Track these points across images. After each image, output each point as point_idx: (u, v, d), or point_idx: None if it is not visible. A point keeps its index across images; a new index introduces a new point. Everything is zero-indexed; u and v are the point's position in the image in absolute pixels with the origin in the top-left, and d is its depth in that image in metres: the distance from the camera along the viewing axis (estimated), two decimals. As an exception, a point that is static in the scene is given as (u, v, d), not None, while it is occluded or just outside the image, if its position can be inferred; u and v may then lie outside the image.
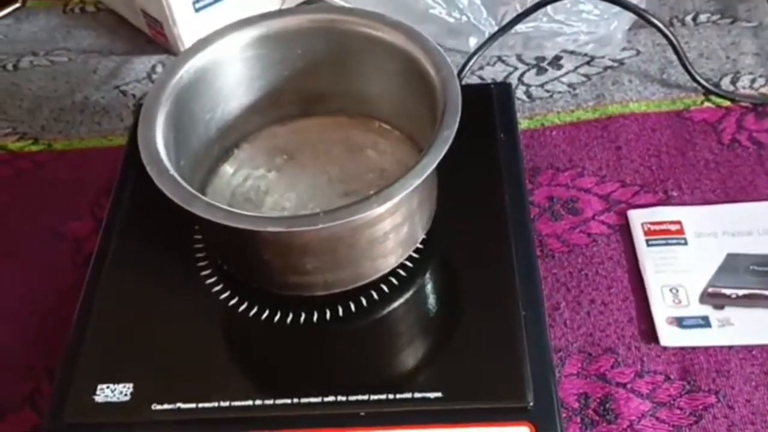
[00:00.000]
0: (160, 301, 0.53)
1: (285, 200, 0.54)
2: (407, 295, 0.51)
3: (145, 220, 0.57)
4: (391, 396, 0.46)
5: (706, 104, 0.68)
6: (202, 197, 0.43)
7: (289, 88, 0.57)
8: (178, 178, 0.44)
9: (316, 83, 0.57)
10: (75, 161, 0.71)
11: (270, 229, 0.41)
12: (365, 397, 0.46)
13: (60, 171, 0.70)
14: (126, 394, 0.48)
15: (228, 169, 0.57)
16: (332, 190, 0.55)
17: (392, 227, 0.47)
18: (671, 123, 0.67)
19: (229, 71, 0.54)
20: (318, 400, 0.47)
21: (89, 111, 0.75)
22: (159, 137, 0.47)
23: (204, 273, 0.53)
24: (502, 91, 0.64)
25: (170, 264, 0.55)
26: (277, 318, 0.50)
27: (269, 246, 0.46)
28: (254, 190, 0.56)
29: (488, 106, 0.62)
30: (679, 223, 0.60)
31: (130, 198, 0.59)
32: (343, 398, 0.46)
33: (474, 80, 0.72)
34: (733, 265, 0.57)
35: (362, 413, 0.46)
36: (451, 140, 0.45)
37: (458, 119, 0.46)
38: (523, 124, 0.68)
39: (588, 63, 0.73)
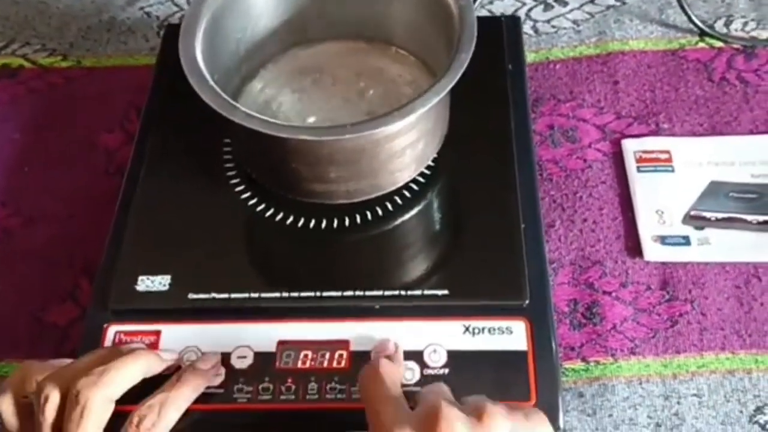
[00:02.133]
0: (193, 204, 0.58)
1: (311, 117, 0.59)
2: (419, 206, 0.57)
3: (176, 133, 0.62)
4: (403, 292, 0.52)
5: (700, 44, 0.72)
6: (240, 107, 0.48)
7: (312, 11, 0.61)
8: (217, 89, 0.49)
9: (338, 7, 0.61)
10: (103, 78, 0.75)
11: (303, 137, 0.46)
12: (380, 293, 0.52)
13: (89, 86, 0.74)
14: (165, 285, 0.53)
15: (256, 85, 0.62)
16: (354, 110, 0.60)
17: (409, 143, 0.52)
18: (666, 61, 0.72)
19: (260, -8, 0.58)
20: (338, 293, 0.52)
21: (115, 30, 0.79)
22: (198, 51, 0.51)
23: (233, 181, 0.58)
24: (512, 24, 0.68)
25: (201, 172, 0.60)
26: (300, 223, 0.56)
27: (298, 154, 0.51)
28: (280, 108, 0.60)
29: (498, 37, 0.67)
30: (668, 152, 0.65)
31: (161, 112, 0.64)
32: (361, 293, 0.52)
33: (484, 14, 0.76)
34: (714, 191, 0.62)
35: (377, 306, 0.52)
36: (466, 63, 0.50)
37: (473, 45, 0.50)
38: (529, 57, 0.73)
39: (592, 1, 0.77)
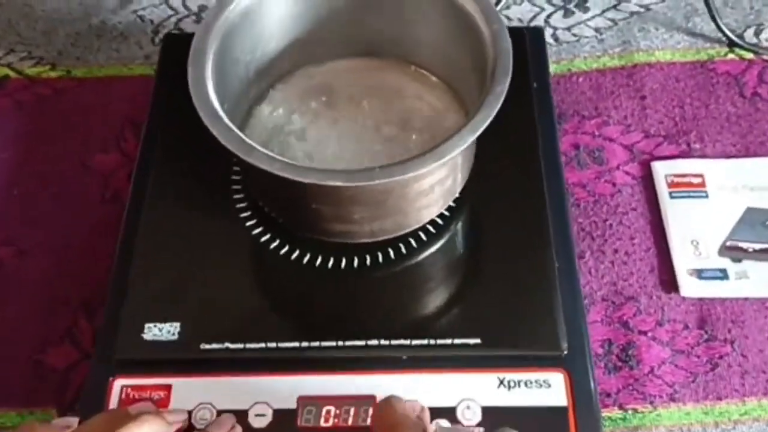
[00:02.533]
0: (201, 242, 0.54)
1: (325, 145, 0.55)
2: (444, 241, 0.53)
3: (179, 159, 0.58)
4: (431, 341, 0.49)
5: (730, 56, 0.69)
6: (261, 149, 0.44)
7: (326, 29, 0.57)
8: (234, 129, 0.45)
9: (354, 25, 0.57)
10: (96, 90, 0.70)
11: (331, 183, 0.42)
12: (407, 342, 0.49)
13: (81, 99, 0.69)
14: (174, 333, 0.49)
15: (264, 109, 0.57)
16: (371, 134, 0.56)
17: (438, 180, 0.48)
18: (695, 74, 0.68)
19: (272, 11, 0.54)
20: (362, 343, 0.49)
21: (106, 36, 0.74)
22: (209, 84, 0.47)
23: (243, 215, 0.54)
24: (535, 36, 0.64)
25: (208, 205, 0.55)
26: (318, 262, 0.52)
27: (320, 195, 0.47)
28: (293, 132, 0.56)
29: (521, 51, 0.62)
30: (701, 176, 0.61)
31: (162, 135, 0.59)
32: (386, 342, 0.49)
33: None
34: (751, 219, 0.59)
35: (404, 357, 0.48)
36: (503, 97, 0.46)
37: (509, 76, 0.46)
38: (550, 68, 0.69)
39: (614, 7, 0.73)
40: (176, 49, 0.63)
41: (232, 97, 0.52)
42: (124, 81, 0.71)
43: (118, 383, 0.48)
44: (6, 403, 0.54)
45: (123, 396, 0.48)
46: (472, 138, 0.44)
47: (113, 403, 0.47)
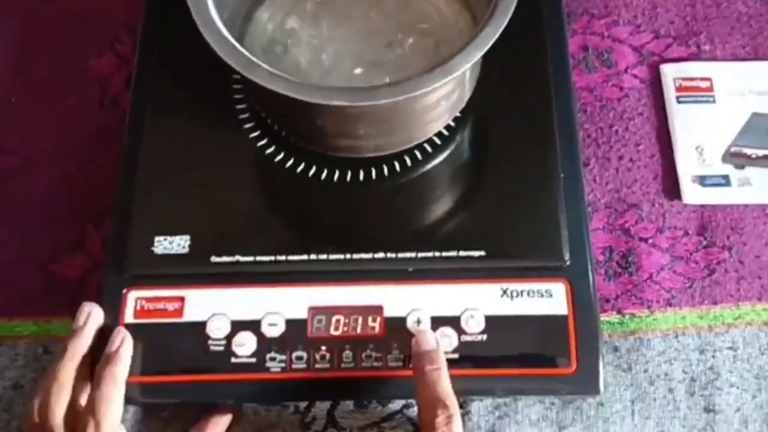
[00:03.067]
0: (205, 153, 0.54)
1: (326, 49, 0.53)
2: (450, 155, 0.53)
3: (178, 65, 0.57)
4: (437, 253, 0.50)
5: (747, -50, 0.66)
6: (264, 65, 0.43)
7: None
8: (236, 44, 0.44)
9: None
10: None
11: (335, 102, 0.42)
12: (413, 255, 0.50)
13: (72, 2, 0.67)
14: (184, 246, 0.50)
15: (263, 14, 0.56)
16: (374, 39, 0.54)
17: (445, 94, 0.48)
18: (709, -31, 0.66)
19: None
20: (369, 256, 0.50)
21: (97, -66, 0.70)
22: (210, -2, 0.45)
23: (247, 126, 0.54)
24: (544, -68, 0.61)
25: (211, 115, 0.55)
26: (324, 175, 0.52)
27: (324, 113, 0.46)
28: (292, 37, 0.55)
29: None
30: (709, 80, 0.61)
31: (160, 39, 0.58)
32: (393, 255, 0.50)
33: None
34: (756, 125, 0.59)
35: (410, 269, 0.50)
36: (512, 11, 0.44)
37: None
38: (560, -37, 0.66)
39: None
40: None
41: (231, 5, 0.50)
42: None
43: (133, 295, 0.50)
44: (23, 314, 0.55)
45: (138, 307, 0.49)
46: (480, 54, 0.43)
47: (129, 314, 0.49)
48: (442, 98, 0.48)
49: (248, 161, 0.53)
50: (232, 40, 0.44)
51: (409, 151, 0.52)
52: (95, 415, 0.43)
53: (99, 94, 0.63)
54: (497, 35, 0.44)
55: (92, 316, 0.48)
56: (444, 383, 0.45)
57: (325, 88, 0.43)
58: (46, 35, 0.65)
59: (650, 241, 0.56)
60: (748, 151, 0.58)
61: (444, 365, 0.46)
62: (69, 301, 0.55)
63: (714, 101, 0.60)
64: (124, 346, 0.47)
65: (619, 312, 0.54)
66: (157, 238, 0.50)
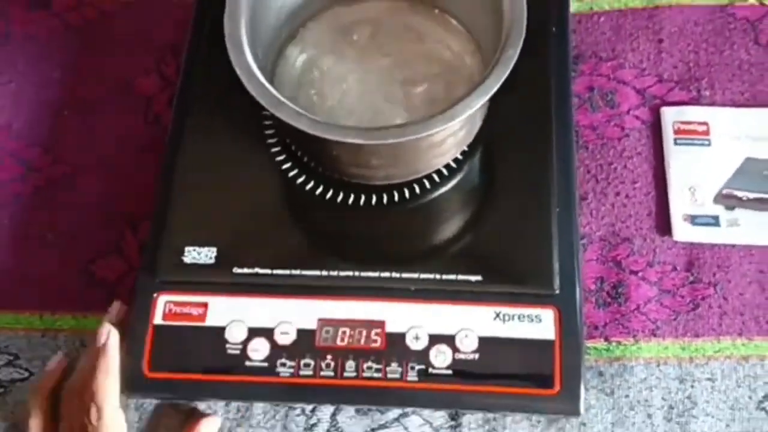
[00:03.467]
0: (235, 174, 0.59)
1: (349, 85, 0.59)
2: (456, 185, 0.58)
3: (217, 91, 0.62)
4: (438, 276, 0.54)
5: (750, 0, 0.70)
6: (289, 103, 0.48)
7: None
8: (266, 84, 0.49)
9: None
10: (138, 14, 0.74)
11: (348, 140, 0.47)
12: (416, 275, 0.54)
13: (124, 23, 0.73)
14: (211, 258, 0.56)
15: (294, 50, 0.61)
16: (392, 77, 0.59)
17: (451, 133, 0.53)
18: (714, 18, 0.69)
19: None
20: (376, 274, 0.55)
21: (149, -40, 0.77)
22: (244, 37, 0.51)
23: (274, 150, 0.59)
24: (558, -20, 0.66)
25: (243, 138, 0.60)
26: (340, 198, 0.57)
27: (339, 146, 0.51)
28: (319, 72, 0.60)
29: (543, -5, 0.64)
30: (706, 124, 0.65)
31: (201, 64, 0.63)
32: (397, 275, 0.55)
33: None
34: (749, 169, 0.63)
35: (413, 288, 0.54)
36: (513, 63, 0.49)
37: (522, 40, 0.50)
38: (573, 6, 0.70)
39: (642, -55, 0.73)
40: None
41: (264, 43, 0.56)
42: (165, 5, 0.74)
43: (162, 299, 0.55)
44: (63, 308, 0.61)
45: (166, 310, 0.55)
46: (482, 101, 0.48)
47: (158, 316, 0.54)
48: (448, 137, 0.53)
49: (272, 182, 0.59)
50: (263, 80, 0.49)
51: (418, 180, 0.57)
52: (96, 402, 0.50)
53: (144, 110, 0.69)
54: (498, 85, 0.48)
55: (112, 335, 0.53)
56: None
57: (341, 126, 0.48)
58: (98, 53, 0.72)
59: (640, 274, 0.60)
60: (739, 193, 0.61)
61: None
62: (105, 299, 0.61)
63: (710, 144, 0.64)
64: (110, 340, 0.53)
65: (606, 339, 0.58)
66: (187, 248, 0.56)
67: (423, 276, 0.54)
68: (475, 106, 0.48)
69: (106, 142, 0.67)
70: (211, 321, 0.54)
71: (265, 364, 0.53)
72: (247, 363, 0.53)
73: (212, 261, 0.55)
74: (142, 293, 0.55)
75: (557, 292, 0.54)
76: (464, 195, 0.58)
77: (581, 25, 0.70)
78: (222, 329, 0.54)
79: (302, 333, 0.54)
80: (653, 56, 0.68)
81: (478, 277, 0.54)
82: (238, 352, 0.53)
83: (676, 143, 0.64)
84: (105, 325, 0.54)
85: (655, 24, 0.70)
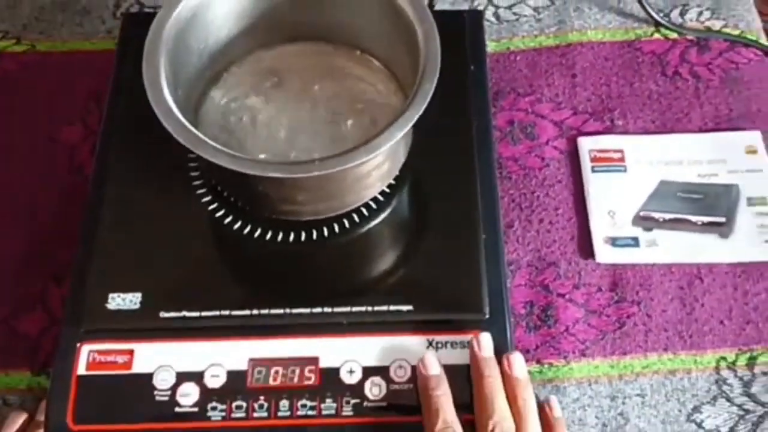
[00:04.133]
0: (160, 217, 0.58)
1: (275, 126, 0.59)
2: (384, 218, 0.59)
3: (140, 135, 0.61)
4: (369, 308, 0.54)
5: (656, 35, 0.74)
6: (210, 142, 0.48)
7: (276, 17, 0.61)
8: (185, 122, 0.49)
9: (302, 13, 0.61)
10: (60, 64, 0.73)
11: (271, 174, 0.47)
12: (348, 309, 0.54)
13: (46, 74, 0.73)
14: (136, 303, 0.55)
15: (217, 93, 0.61)
16: (319, 115, 0.60)
17: (375, 166, 0.53)
18: (623, 53, 0.73)
19: (222, 2, 0.57)
20: (307, 310, 0.54)
21: (70, 11, 0.77)
22: (162, 77, 0.51)
23: (200, 191, 0.59)
24: (474, 20, 0.68)
25: (167, 181, 0.60)
26: (268, 236, 0.57)
27: (264, 182, 0.52)
28: (245, 114, 0.61)
29: (460, 35, 0.67)
30: (621, 151, 0.67)
31: (123, 111, 0.63)
32: (329, 309, 0.54)
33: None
34: (663, 192, 0.65)
35: (345, 322, 0.54)
36: (430, 95, 0.51)
37: (437, 75, 0.51)
38: (490, 46, 0.73)
39: (553, -14, 0.77)
40: (134, 27, 0.67)
41: (186, 84, 0.56)
42: (87, 56, 0.74)
43: (86, 348, 0.54)
44: (-18, 366, 0.59)
45: (90, 360, 0.53)
46: (401, 133, 0.49)
47: (82, 366, 0.53)
48: (373, 170, 0.54)
49: (199, 224, 0.58)
50: (181, 118, 0.49)
51: (347, 215, 0.57)
52: None
53: (67, 160, 0.68)
54: (417, 116, 0.50)
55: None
56: (448, 411, 0.49)
57: (262, 161, 0.48)
58: (20, 103, 0.71)
59: (567, 296, 0.61)
60: (656, 215, 0.64)
61: (449, 393, 0.50)
62: (28, 355, 0.59)
63: (625, 170, 0.66)
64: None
65: (538, 362, 0.59)
66: (111, 295, 0.55)
67: (355, 309, 0.54)
68: (396, 137, 0.49)
69: (27, 192, 0.66)
70: (137, 368, 0.53)
71: (196, 409, 0.52)
72: (177, 409, 0.52)
73: (137, 306, 0.54)
74: (64, 344, 0.54)
75: (487, 317, 0.54)
76: (393, 227, 0.59)
77: (499, 63, 0.73)
78: (149, 375, 0.53)
79: (233, 375, 0.53)
80: (568, 90, 0.71)
81: (410, 307, 0.54)
82: (167, 398, 0.52)
83: (593, 170, 0.66)
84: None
85: (568, 60, 0.73)
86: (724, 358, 0.59)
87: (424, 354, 0.52)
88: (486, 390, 0.49)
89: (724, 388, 0.58)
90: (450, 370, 0.53)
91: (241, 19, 0.60)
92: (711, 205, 0.64)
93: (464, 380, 0.53)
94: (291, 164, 0.48)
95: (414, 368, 0.53)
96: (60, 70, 0.73)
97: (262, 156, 0.57)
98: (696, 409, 0.57)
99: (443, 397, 0.50)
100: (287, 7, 0.60)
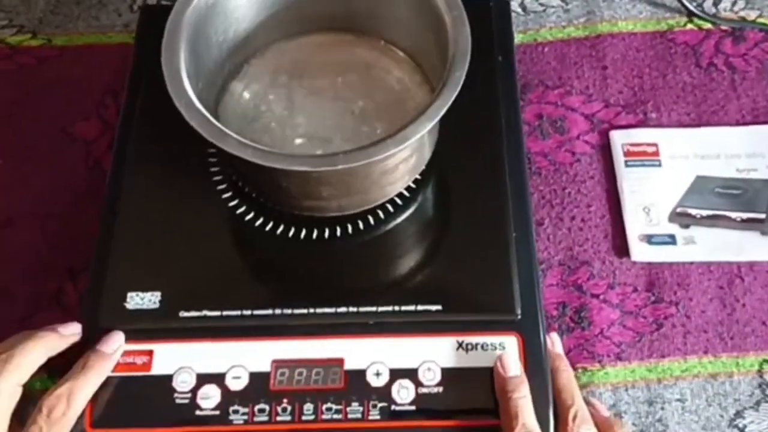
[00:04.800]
0: (179, 214, 0.57)
1: (297, 120, 0.57)
2: (411, 214, 0.56)
3: (158, 130, 0.60)
4: (396, 308, 0.52)
5: (689, 26, 0.71)
6: (234, 135, 0.46)
7: (298, 7, 0.59)
8: (208, 116, 0.47)
9: (324, 3, 0.59)
10: (76, 58, 0.72)
11: (295, 167, 0.45)
12: (374, 309, 0.52)
13: (62, 68, 0.71)
14: (155, 302, 0.53)
15: (238, 85, 0.60)
16: (342, 108, 0.58)
17: (402, 159, 0.51)
18: (655, 44, 0.70)
19: (242, -8, 0.55)
20: (332, 310, 0.52)
21: (85, 4, 0.75)
22: (182, 67, 0.49)
23: (220, 187, 0.57)
24: (501, 9, 0.66)
25: (187, 176, 0.58)
26: (291, 233, 0.55)
27: (288, 177, 0.50)
28: (266, 107, 0.59)
29: (487, 24, 0.65)
30: (655, 145, 0.65)
31: (141, 106, 0.61)
32: (354, 309, 0.52)
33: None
34: (700, 187, 0.63)
35: (371, 322, 0.52)
36: (461, 83, 0.48)
37: (468, 62, 0.49)
38: (517, 38, 0.71)
39: (581, -24, 0.75)
40: (153, 20, 0.65)
41: (206, 76, 0.54)
42: (103, 50, 0.72)
43: (104, 349, 0.52)
44: (1, 366, 0.57)
45: (109, 361, 0.51)
46: (431, 124, 0.47)
47: (100, 367, 0.51)
48: (400, 163, 0.51)
49: (220, 220, 0.56)
50: (203, 110, 0.47)
51: (372, 211, 0.55)
52: (69, 400, 0.46)
53: (83, 155, 0.66)
54: (446, 107, 0.47)
55: (120, 348, 0.51)
56: (528, 415, 0.47)
57: (287, 155, 0.46)
58: (35, 98, 0.69)
59: (601, 297, 0.59)
60: (692, 211, 0.61)
61: (529, 396, 0.48)
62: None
63: (660, 165, 0.64)
64: (118, 351, 0.50)
65: (571, 366, 0.56)
66: (129, 294, 0.53)
67: (381, 309, 0.52)
68: (426, 128, 0.46)
69: (43, 190, 0.64)
70: (157, 369, 0.51)
71: (217, 412, 0.50)
72: (198, 412, 0.50)
73: (156, 306, 0.52)
74: (81, 344, 0.52)
75: (519, 317, 0.52)
76: (420, 224, 0.56)
77: (526, 55, 0.70)
78: (169, 377, 0.51)
79: (256, 377, 0.51)
80: (599, 83, 0.69)
81: (438, 307, 0.52)
82: (187, 401, 0.50)
83: (627, 165, 0.64)
84: (118, 335, 0.51)
85: (598, 52, 0.70)
86: (767, 361, 0.56)
87: (501, 354, 0.50)
88: (512, 409, 0.47)
89: (768, 392, 0.55)
90: (480, 373, 0.51)
91: (263, 10, 0.58)
92: (750, 201, 0.62)
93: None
94: (316, 157, 0.46)
95: (444, 370, 0.51)
96: (76, 65, 0.71)
97: (284, 150, 0.55)
98: (738, 414, 0.55)
99: (522, 400, 0.48)
100: (309, -4, 0.58)
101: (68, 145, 0.67)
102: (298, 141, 0.56)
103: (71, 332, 0.51)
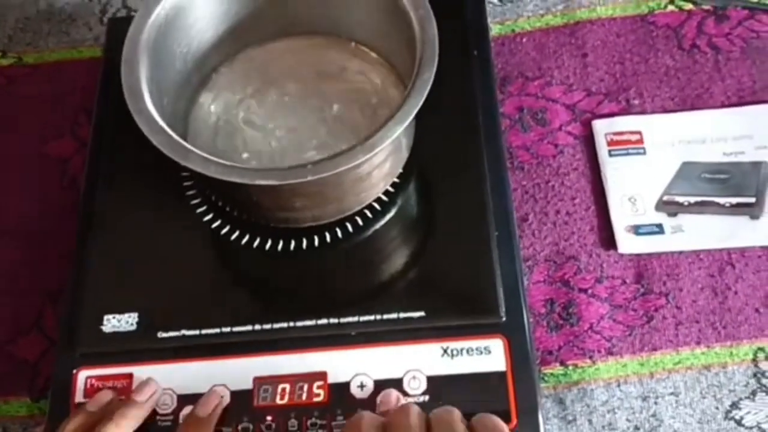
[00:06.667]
0: (154, 231, 0.56)
1: (270, 130, 0.56)
2: (389, 220, 0.55)
3: (129, 148, 0.58)
4: (378, 316, 0.51)
5: (670, 7, 0.69)
6: (198, 152, 0.45)
7: (263, 13, 0.57)
8: (169, 131, 0.46)
9: (291, 7, 0.58)
10: (48, 76, 0.71)
11: (261, 182, 0.44)
12: (355, 319, 0.51)
13: (34, 86, 0.70)
14: (132, 324, 0.52)
15: (207, 96, 0.58)
16: (316, 113, 0.57)
17: (375, 166, 0.50)
18: (636, 28, 0.69)
19: (203, 3, 0.54)
20: (312, 323, 0.51)
21: (55, 19, 0.74)
22: (144, 83, 0.48)
23: (194, 202, 0.56)
24: (475, 3, 0.64)
25: (160, 194, 0.57)
26: (268, 246, 0.54)
27: (258, 191, 0.48)
28: (237, 116, 0.57)
29: (461, 18, 0.63)
30: (639, 133, 0.63)
31: (112, 122, 0.60)
32: (336, 320, 0.51)
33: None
34: (687, 173, 0.61)
35: (353, 333, 0.51)
36: (429, 85, 0.47)
37: (436, 63, 0.48)
38: (494, 29, 0.70)
39: (556, -39, 0.73)
40: (121, 33, 0.63)
41: (173, 90, 0.53)
42: (74, 65, 0.71)
43: (83, 374, 0.51)
44: (-18, 393, 0.57)
45: (88, 386, 0.50)
46: (400, 129, 0.45)
47: (79, 393, 0.50)
48: (373, 170, 0.50)
49: (194, 237, 0.55)
50: (165, 126, 0.46)
51: (349, 219, 0.54)
52: None
53: (59, 174, 0.65)
54: (416, 110, 0.46)
55: (155, 396, 0.49)
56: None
57: (253, 169, 0.45)
58: (8, 118, 0.68)
59: (589, 291, 0.57)
60: (679, 198, 0.60)
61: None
62: (27, 380, 0.57)
63: (644, 153, 0.62)
64: (153, 398, 0.49)
65: (562, 363, 0.55)
66: (106, 317, 0.52)
67: (363, 318, 0.51)
68: (395, 133, 0.45)
69: (19, 209, 0.63)
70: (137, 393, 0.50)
71: (199, 433, 0.49)
72: (181, 434, 0.49)
73: (134, 327, 0.52)
74: (60, 370, 0.51)
75: (504, 319, 0.51)
76: (399, 229, 0.55)
77: (505, 47, 0.69)
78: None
79: (238, 395, 0.50)
80: (579, 71, 0.67)
81: (421, 313, 0.51)
82: (169, 423, 0.49)
83: (610, 155, 0.62)
84: (151, 383, 0.50)
85: (578, 39, 0.69)
86: (762, 349, 0.55)
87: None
88: None
89: (764, 381, 0.54)
90: (466, 379, 0.50)
91: (225, 19, 0.57)
92: (739, 185, 0.60)
93: (481, 389, 0.49)
94: (283, 170, 0.45)
95: (429, 378, 0.50)
96: (48, 83, 0.70)
97: (254, 161, 0.54)
98: (734, 405, 0.53)
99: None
100: (275, 1, 0.57)
101: (44, 165, 0.66)
102: (274, 144, 0.55)
103: (147, 394, 0.49)
